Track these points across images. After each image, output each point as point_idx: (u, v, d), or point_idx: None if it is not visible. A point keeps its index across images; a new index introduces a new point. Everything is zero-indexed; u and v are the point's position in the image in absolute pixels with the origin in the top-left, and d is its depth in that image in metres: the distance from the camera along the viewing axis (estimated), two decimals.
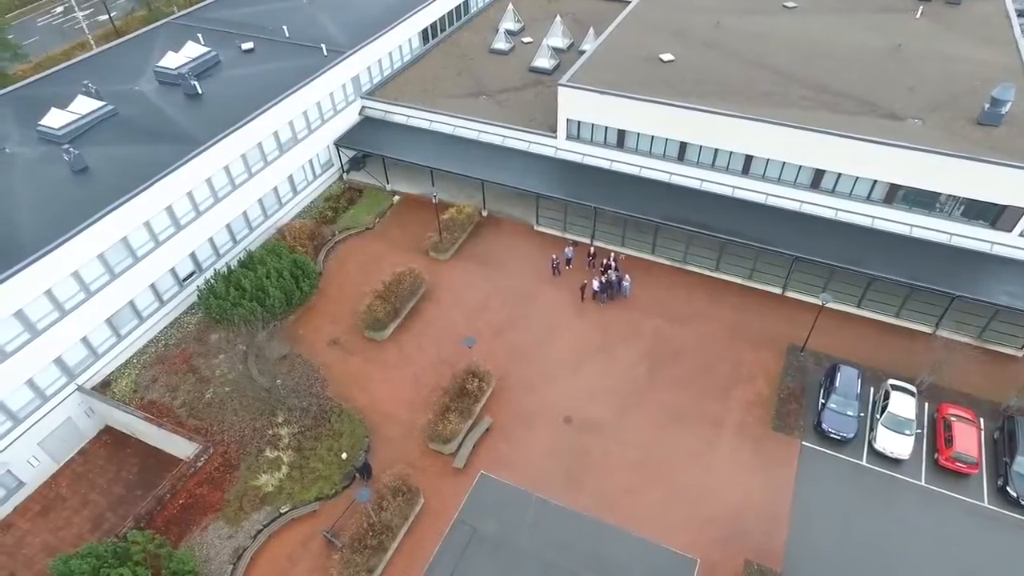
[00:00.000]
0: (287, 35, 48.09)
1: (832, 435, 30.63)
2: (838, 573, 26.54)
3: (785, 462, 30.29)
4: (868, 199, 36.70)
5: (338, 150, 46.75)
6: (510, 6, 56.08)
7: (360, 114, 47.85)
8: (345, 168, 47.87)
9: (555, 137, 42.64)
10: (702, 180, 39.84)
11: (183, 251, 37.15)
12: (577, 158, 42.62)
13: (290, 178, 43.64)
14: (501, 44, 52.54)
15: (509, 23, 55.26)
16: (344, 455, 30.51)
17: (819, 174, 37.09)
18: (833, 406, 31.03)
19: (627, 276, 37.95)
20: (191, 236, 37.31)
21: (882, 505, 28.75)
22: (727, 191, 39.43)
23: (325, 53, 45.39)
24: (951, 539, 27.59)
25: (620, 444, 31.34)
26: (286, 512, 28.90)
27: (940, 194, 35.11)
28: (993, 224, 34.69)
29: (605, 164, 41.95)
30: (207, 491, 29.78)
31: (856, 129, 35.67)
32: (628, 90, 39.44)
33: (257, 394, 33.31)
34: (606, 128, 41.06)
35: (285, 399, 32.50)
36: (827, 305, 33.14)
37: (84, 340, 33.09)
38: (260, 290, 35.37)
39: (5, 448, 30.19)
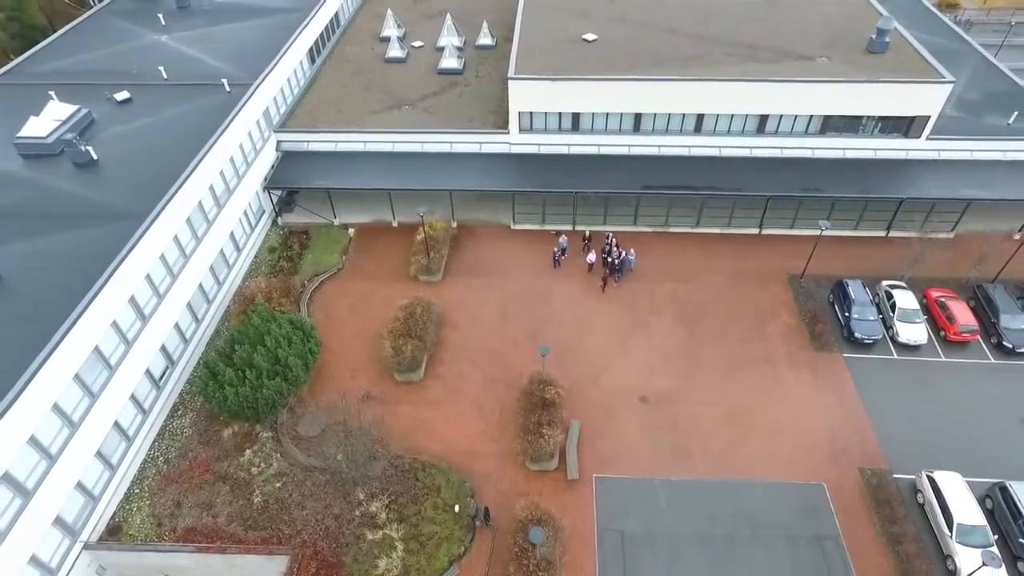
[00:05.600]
0: (165, 77, 41.18)
1: (864, 340, 34.33)
2: (929, 451, 29.97)
3: (840, 375, 33.36)
4: (807, 133, 41.19)
5: (268, 194, 41.41)
6: (389, 11, 53.36)
7: (278, 149, 42.73)
8: (277, 211, 42.56)
9: (507, 132, 41.80)
10: (660, 146, 41.78)
11: (154, 345, 30.72)
12: (533, 149, 42.23)
13: (231, 235, 37.83)
14: (396, 52, 49.86)
15: (392, 30, 52.60)
16: (456, 507, 27.69)
17: (763, 119, 40.80)
18: (856, 315, 34.72)
19: (631, 250, 38.71)
20: (158, 326, 30.94)
21: (927, 385, 32.98)
22: (684, 151, 41.78)
23: (228, 89, 39.66)
24: (986, 393, 32.48)
25: (701, 405, 32.21)
26: None
27: (861, 117, 40.50)
28: (906, 134, 40.86)
29: (563, 150, 42.10)
30: None
31: (782, 73, 39.80)
32: (573, 72, 39.96)
33: (316, 479, 28.88)
34: (560, 114, 41.19)
35: (353, 473, 28.51)
36: (799, 232, 36.88)
37: (79, 486, 26.12)
38: (277, 362, 30.42)
39: None
